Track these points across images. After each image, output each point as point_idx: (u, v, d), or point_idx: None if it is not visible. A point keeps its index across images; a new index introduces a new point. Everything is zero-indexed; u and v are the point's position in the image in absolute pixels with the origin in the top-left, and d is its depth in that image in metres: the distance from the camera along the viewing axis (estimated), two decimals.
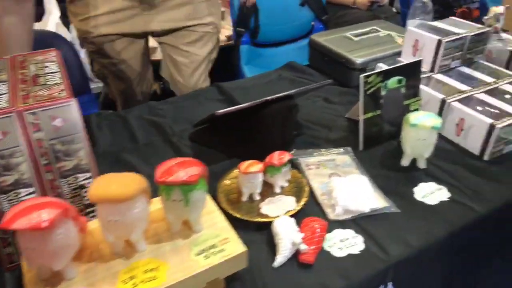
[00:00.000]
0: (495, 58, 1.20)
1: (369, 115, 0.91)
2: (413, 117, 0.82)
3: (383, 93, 0.90)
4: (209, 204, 0.68)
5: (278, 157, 0.75)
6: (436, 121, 0.81)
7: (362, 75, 0.86)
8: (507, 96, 0.97)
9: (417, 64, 0.93)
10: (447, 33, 1.06)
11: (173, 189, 0.56)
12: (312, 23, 2.22)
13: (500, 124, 0.85)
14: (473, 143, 0.91)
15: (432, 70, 1.07)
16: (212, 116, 0.81)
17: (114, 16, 1.25)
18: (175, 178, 0.55)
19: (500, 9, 1.12)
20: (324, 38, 1.27)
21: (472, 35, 1.05)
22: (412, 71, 0.93)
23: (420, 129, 0.81)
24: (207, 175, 0.62)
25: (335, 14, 2.82)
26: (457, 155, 0.91)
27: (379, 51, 1.19)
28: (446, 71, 1.08)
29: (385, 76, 0.89)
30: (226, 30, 2.37)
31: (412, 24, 1.34)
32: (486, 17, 1.14)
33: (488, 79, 1.04)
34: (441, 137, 0.97)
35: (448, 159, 0.90)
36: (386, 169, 0.88)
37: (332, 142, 0.97)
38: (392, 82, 0.90)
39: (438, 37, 1.03)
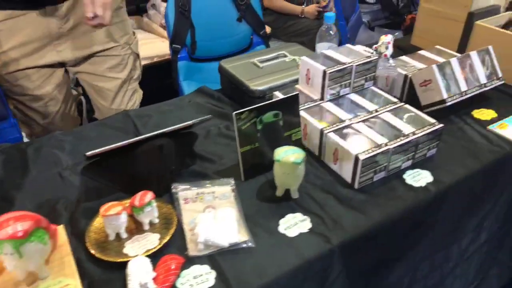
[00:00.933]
0: (393, 83, 1.26)
1: (247, 148, 0.95)
2: (278, 153, 0.87)
3: (259, 127, 0.95)
4: (64, 247, 0.72)
5: (140, 198, 0.79)
6: (299, 156, 0.85)
7: (234, 113, 0.90)
8: (382, 125, 1.03)
9: (294, 98, 0.98)
10: (337, 62, 1.12)
11: (3, 243, 0.60)
12: (251, 37, 2.26)
13: (363, 156, 0.91)
14: (346, 172, 0.96)
15: (322, 98, 1.12)
16: (85, 157, 0.84)
17: (22, 49, 1.24)
18: (1, 235, 0.58)
19: (388, 38, 1.18)
20: (231, 65, 1.32)
21: (357, 65, 1.11)
22: (289, 104, 0.98)
23: (283, 164, 0.86)
24: (47, 225, 0.65)
25: (285, 24, 2.88)
26: (332, 184, 0.97)
27: (280, 78, 1.24)
28: (336, 98, 1.13)
29: (259, 111, 0.93)
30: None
31: (320, 48, 1.40)
32: (375, 45, 1.20)
33: (372, 107, 1.09)
34: (323, 165, 1.03)
35: (323, 187, 0.95)
36: (261, 200, 0.92)
37: (220, 172, 1.01)
38: (268, 116, 0.95)
39: (323, 68, 1.08)
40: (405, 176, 0.98)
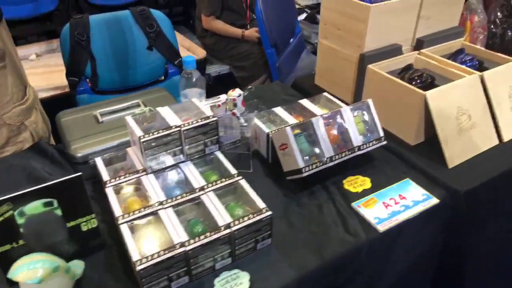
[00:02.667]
0: (259, 143, 1.06)
1: (6, 247, 0.73)
2: (15, 266, 0.66)
3: (20, 221, 0.73)
4: None
5: None
6: (36, 273, 0.64)
7: None
8: (200, 211, 0.82)
9: (76, 180, 0.77)
10: (166, 125, 0.91)
11: None
12: (166, 66, 2.06)
13: (142, 265, 0.69)
14: (136, 278, 0.75)
15: (145, 170, 0.91)
16: None
17: None
18: None
19: (234, 93, 0.97)
20: (67, 118, 1.10)
21: (186, 129, 0.90)
22: (71, 187, 0.77)
23: (20, 283, 0.65)
24: None
25: (226, 47, 2.69)
26: None
27: (117, 137, 1.03)
28: (166, 168, 0.92)
29: (16, 202, 0.72)
30: None
31: (186, 95, 1.20)
32: (224, 101, 1.00)
33: (200, 183, 0.88)
34: (126, 264, 0.81)
35: None
36: None
37: None
38: (34, 207, 0.74)
39: (140, 133, 0.88)
40: (216, 281, 0.76)
